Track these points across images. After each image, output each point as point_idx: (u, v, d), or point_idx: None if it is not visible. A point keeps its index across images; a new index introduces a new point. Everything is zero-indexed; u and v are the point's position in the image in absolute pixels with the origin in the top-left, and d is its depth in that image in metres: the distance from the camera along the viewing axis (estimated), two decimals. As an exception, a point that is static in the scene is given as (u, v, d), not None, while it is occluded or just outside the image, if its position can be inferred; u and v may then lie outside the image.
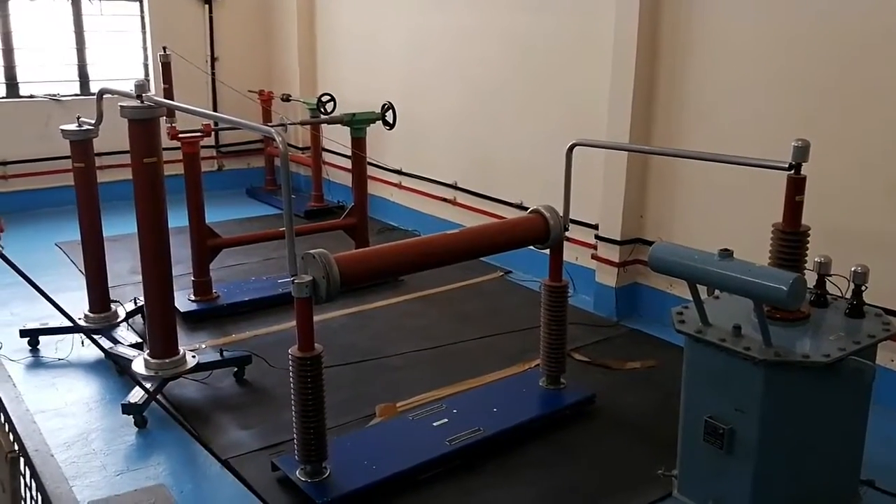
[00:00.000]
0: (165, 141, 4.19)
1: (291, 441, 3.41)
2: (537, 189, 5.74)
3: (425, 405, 4.05)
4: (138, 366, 4.19)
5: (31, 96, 8.05)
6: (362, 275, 3.37)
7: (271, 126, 4.77)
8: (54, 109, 7.86)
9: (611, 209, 5.32)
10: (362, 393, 4.28)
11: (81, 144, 4.62)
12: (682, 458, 3.07)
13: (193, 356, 4.32)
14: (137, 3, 8.51)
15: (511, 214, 5.90)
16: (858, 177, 4.15)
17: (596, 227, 5.48)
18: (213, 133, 6.90)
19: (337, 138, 6.89)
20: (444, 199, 6.99)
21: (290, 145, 7.84)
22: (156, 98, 4.06)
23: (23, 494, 1.34)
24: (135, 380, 3.96)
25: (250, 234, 6.12)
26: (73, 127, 4.60)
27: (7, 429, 1.45)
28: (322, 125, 7.43)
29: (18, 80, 7.99)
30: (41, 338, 4.81)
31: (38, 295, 3.35)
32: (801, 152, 2.85)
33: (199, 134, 5.44)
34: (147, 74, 8.57)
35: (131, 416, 3.93)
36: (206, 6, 8.74)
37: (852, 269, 2.92)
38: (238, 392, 4.33)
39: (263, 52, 9.19)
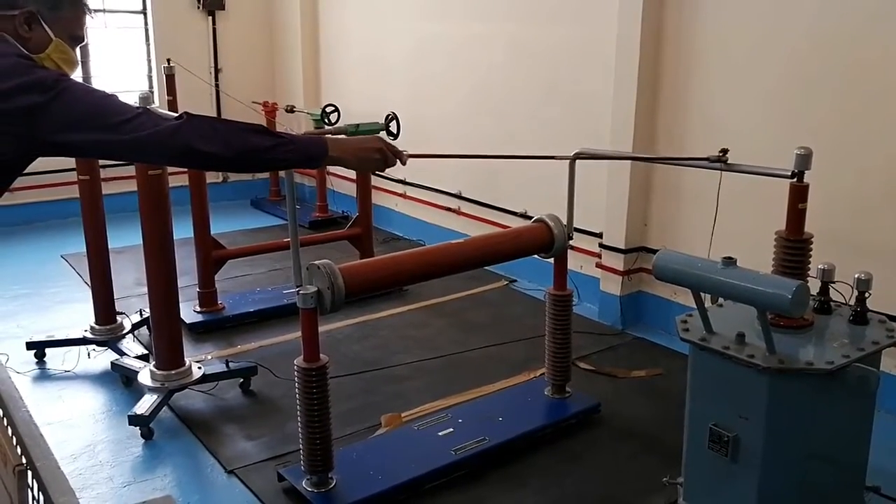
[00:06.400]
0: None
1: (297, 451, 3.41)
2: (541, 198, 5.74)
3: (430, 415, 4.05)
4: (144, 377, 4.21)
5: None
6: (367, 285, 3.38)
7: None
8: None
9: (615, 218, 5.32)
10: (367, 403, 4.28)
11: (87, 157, 4.65)
12: (687, 466, 3.07)
13: (199, 367, 4.33)
14: (141, 16, 8.56)
15: (515, 224, 5.91)
16: (861, 183, 4.15)
17: (600, 235, 5.48)
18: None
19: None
20: (449, 209, 7.00)
21: (294, 156, 7.83)
22: (160, 110, 4.07)
23: (31, 506, 1.35)
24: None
25: (255, 245, 6.13)
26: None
27: (15, 442, 1.46)
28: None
29: (24, 94, 8.02)
30: (48, 350, 4.82)
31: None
32: (804, 160, 2.86)
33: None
34: (151, 86, 8.61)
35: (138, 428, 3.94)
36: (210, 18, 8.78)
37: (856, 275, 2.91)
38: (244, 403, 4.34)
39: (267, 64, 9.23)
